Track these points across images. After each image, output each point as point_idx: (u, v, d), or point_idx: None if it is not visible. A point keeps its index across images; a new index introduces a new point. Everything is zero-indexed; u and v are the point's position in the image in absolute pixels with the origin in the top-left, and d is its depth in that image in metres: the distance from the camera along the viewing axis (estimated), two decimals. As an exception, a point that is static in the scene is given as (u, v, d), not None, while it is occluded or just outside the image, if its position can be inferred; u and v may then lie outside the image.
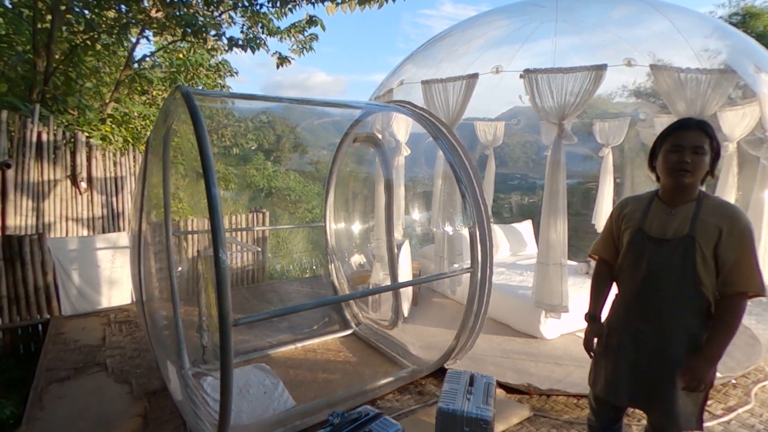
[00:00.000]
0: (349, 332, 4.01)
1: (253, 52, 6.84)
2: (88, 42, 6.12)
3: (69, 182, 4.78)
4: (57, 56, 5.86)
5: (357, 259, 4.85)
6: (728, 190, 3.72)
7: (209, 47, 7.99)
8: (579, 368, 3.17)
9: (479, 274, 2.90)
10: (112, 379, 3.11)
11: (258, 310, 4.75)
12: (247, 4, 6.73)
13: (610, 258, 1.82)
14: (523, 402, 2.83)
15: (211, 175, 1.81)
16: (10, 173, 4.27)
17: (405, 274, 4.16)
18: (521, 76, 3.41)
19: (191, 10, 6.21)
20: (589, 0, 4.38)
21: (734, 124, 3.76)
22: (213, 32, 6.44)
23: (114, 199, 5.11)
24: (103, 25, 6.20)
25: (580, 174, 10.15)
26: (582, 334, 1.88)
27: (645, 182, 5.73)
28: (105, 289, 4.56)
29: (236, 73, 9.43)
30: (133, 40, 6.92)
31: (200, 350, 3.24)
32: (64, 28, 5.96)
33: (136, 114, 7.27)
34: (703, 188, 1.64)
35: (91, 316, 4.34)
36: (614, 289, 1.83)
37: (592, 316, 1.84)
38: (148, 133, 5.08)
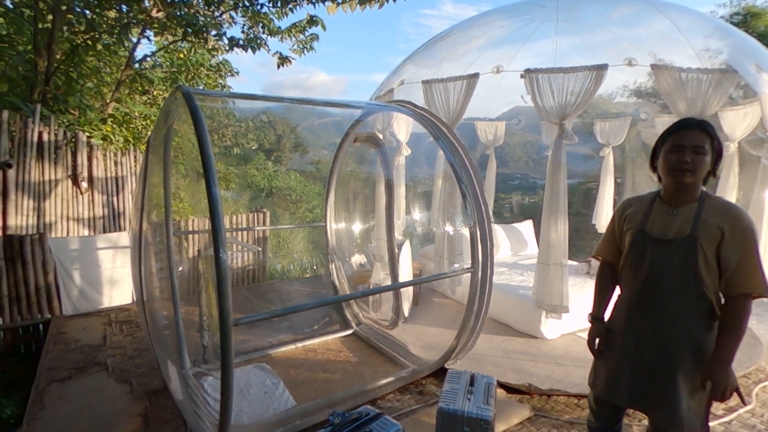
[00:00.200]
0: (349, 332, 4.01)
1: (254, 52, 6.86)
2: (89, 42, 6.12)
3: (70, 182, 4.79)
4: (58, 56, 5.86)
5: (357, 258, 4.85)
6: (729, 189, 3.72)
7: (210, 47, 8.00)
8: (579, 368, 3.17)
9: (480, 274, 2.90)
10: (113, 378, 3.12)
11: (258, 310, 4.75)
12: (247, 4, 6.73)
13: (613, 259, 1.81)
14: (523, 402, 2.83)
15: (211, 174, 1.81)
16: (11, 173, 4.28)
17: (405, 274, 4.16)
18: (522, 76, 3.41)
19: (192, 10, 6.21)
20: (589, 0, 4.38)
21: (735, 124, 3.76)
22: (214, 32, 6.44)
23: (115, 198, 5.12)
24: (104, 25, 6.20)
25: (581, 174, 10.15)
26: (582, 335, 1.88)
27: (646, 182, 5.73)
28: (106, 288, 4.57)
29: (237, 73, 9.44)
30: (134, 40, 6.93)
31: (201, 350, 3.24)
32: (65, 28, 5.96)
33: (136, 114, 7.28)
34: (705, 188, 1.63)
35: (91, 316, 4.35)
36: (618, 290, 1.82)
37: (595, 317, 1.84)
38: (149, 133, 5.09)
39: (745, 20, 10.93)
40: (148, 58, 7.89)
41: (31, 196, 4.46)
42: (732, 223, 1.49)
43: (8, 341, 3.95)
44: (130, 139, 6.53)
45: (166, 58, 8.31)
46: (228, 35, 6.67)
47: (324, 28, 7.28)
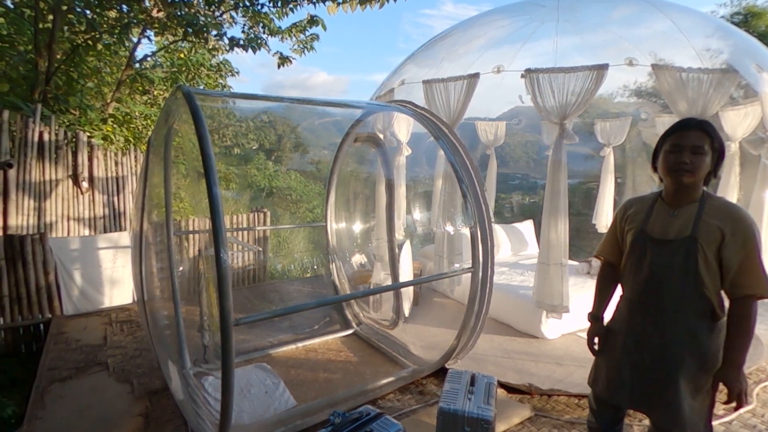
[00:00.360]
0: (350, 332, 4.01)
1: (255, 52, 6.86)
2: (90, 42, 6.13)
3: (70, 182, 4.79)
4: (58, 56, 5.87)
5: (358, 258, 4.85)
6: (730, 189, 3.71)
7: (210, 47, 8.00)
8: (580, 368, 3.17)
9: (480, 273, 2.90)
10: (114, 378, 3.12)
11: (259, 310, 4.75)
12: (248, 3, 6.74)
13: (614, 259, 1.82)
14: (524, 402, 2.83)
15: (212, 174, 1.81)
16: (11, 173, 4.28)
17: (406, 273, 4.16)
18: (522, 76, 3.40)
19: (192, 10, 6.21)
20: (590, 0, 4.37)
21: (736, 124, 3.75)
22: (214, 32, 6.44)
23: (115, 198, 5.13)
24: (105, 25, 6.21)
25: (582, 174, 10.13)
26: (583, 334, 1.88)
27: (646, 182, 5.73)
28: (106, 288, 4.57)
29: (237, 73, 9.45)
30: (135, 40, 6.94)
31: (201, 350, 3.24)
32: (65, 28, 5.97)
33: (137, 114, 7.29)
34: (707, 189, 1.63)
35: (92, 316, 4.35)
36: (619, 290, 1.82)
37: (594, 316, 1.85)
38: (150, 133, 5.09)
39: (746, 20, 10.93)
40: (149, 58, 7.90)
41: (31, 196, 4.46)
42: (733, 224, 1.49)
43: (9, 341, 3.95)
44: (131, 139, 6.54)
45: (167, 58, 8.31)
46: (228, 35, 6.68)
47: (324, 27, 7.29)
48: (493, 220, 3.04)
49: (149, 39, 7.46)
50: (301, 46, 7.55)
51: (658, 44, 3.74)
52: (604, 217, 5.56)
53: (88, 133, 5.31)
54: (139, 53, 7.98)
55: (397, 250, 3.92)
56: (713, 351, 1.54)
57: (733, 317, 1.52)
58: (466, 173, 2.99)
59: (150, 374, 3.17)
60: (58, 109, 5.71)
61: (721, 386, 1.54)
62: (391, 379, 3.04)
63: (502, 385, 2.96)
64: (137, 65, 7.36)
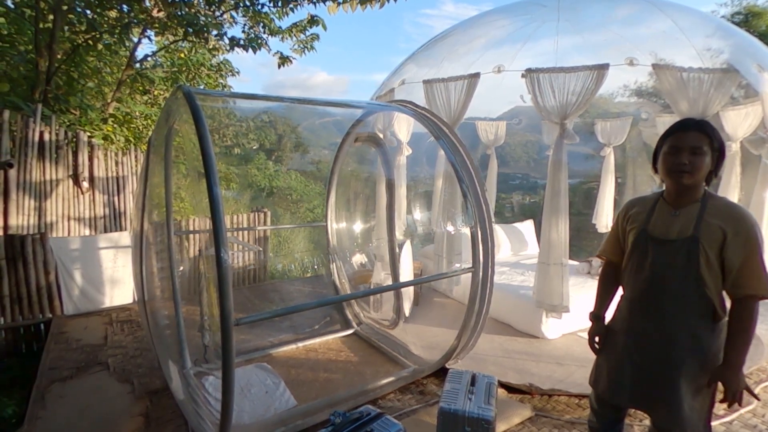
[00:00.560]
0: (350, 332, 4.00)
1: (255, 52, 6.85)
2: (90, 42, 6.13)
3: (71, 182, 4.80)
4: (59, 56, 5.87)
5: (358, 258, 4.85)
6: (731, 189, 3.71)
7: (211, 47, 8.00)
8: (581, 368, 3.17)
9: (481, 273, 2.90)
10: (114, 378, 3.12)
11: (259, 310, 4.76)
12: (248, 3, 6.74)
13: (616, 258, 1.82)
14: (524, 402, 2.83)
15: (212, 174, 1.81)
16: (12, 173, 4.28)
17: (406, 273, 4.16)
18: (523, 76, 3.40)
19: (193, 10, 6.21)
20: (590, -1, 4.37)
21: (737, 124, 3.75)
22: (214, 32, 6.45)
23: (116, 198, 5.13)
24: (105, 25, 6.21)
25: (582, 173, 10.13)
26: (584, 334, 1.88)
27: (647, 182, 5.73)
28: (107, 288, 4.57)
29: (238, 72, 9.45)
30: (135, 39, 6.94)
31: (202, 349, 3.24)
32: (66, 27, 5.97)
33: (137, 114, 7.29)
34: (708, 189, 1.63)
35: (93, 316, 4.35)
36: (620, 290, 1.82)
37: (595, 315, 1.85)
38: (150, 133, 5.09)
39: (747, 20, 10.92)
40: (149, 58, 7.90)
41: (32, 196, 4.46)
42: (734, 225, 1.49)
43: (9, 341, 3.95)
44: (131, 138, 6.54)
45: (167, 58, 8.32)
46: (229, 35, 6.68)
47: (325, 27, 7.28)
48: (493, 219, 3.04)
49: (149, 39, 7.47)
50: (302, 45, 7.54)
51: (658, 44, 3.73)
52: (604, 217, 5.56)
53: (89, 133, 5.31)
54: (140, 53, 7.97)
55: (397, 250, 3.92)
56: (714, 351, 1.54)
57: (734, 317, 1.52)
58: (466, 173, 2.99)
59: (150, 374, 3.17)
60: (59, 108, 5.71)
61: (720, 386, 1.54)
62: (391, 379, 3.04)
63: (502, 385, 2.96)
64: (138, 65, 7.36)
